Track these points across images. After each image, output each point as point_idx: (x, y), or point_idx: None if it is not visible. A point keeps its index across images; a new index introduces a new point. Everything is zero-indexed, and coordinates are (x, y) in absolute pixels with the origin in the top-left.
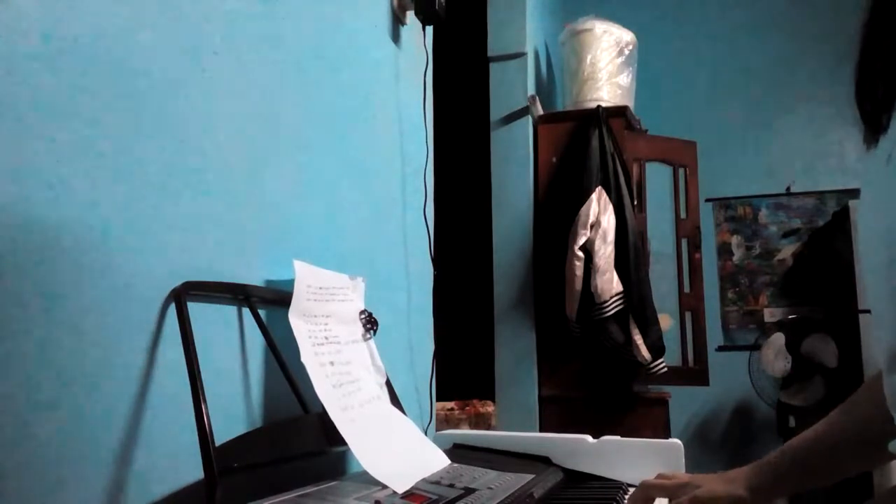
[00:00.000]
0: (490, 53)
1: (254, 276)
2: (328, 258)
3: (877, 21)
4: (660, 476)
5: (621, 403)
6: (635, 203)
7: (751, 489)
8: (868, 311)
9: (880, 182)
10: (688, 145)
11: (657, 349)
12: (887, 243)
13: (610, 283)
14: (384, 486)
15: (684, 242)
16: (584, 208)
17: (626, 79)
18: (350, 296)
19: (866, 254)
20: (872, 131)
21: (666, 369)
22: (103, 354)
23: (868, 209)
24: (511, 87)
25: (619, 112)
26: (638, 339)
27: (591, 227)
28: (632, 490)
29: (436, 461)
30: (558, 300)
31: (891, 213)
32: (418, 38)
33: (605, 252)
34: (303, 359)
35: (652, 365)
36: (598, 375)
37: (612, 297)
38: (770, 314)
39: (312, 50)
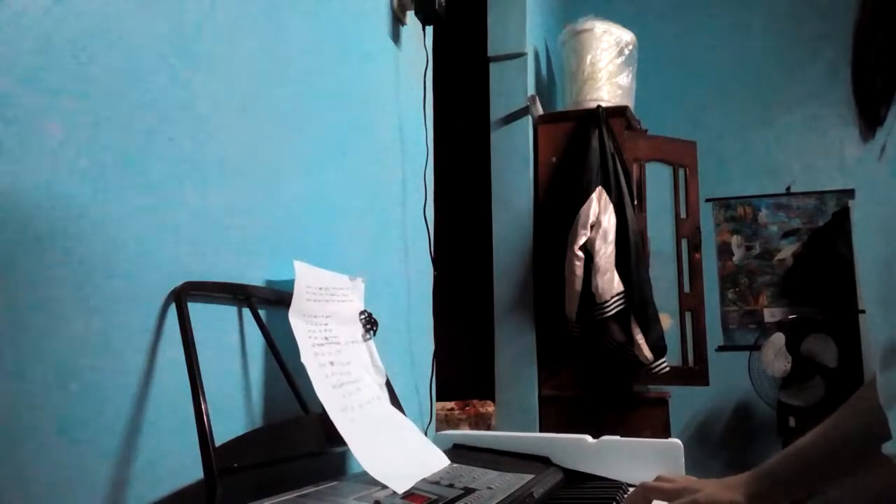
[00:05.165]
0: (490, 53)
1: (254, 276)
2: (328, 258)
3: (871, 13)
4: (659, 478)
5: (621, 403)
6: (635, 203)
7: (750, 496)
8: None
9: (873, 178)
10: (688, 145)
11: (659, 349)
12: (881, 241)
13: (611, 283)
14: (384, 486)
15: (684, 242)
16: (584, 208)
17: (626, 79)
18: (350, 296)
19: (862, 252)
20: (870, 124)
21: (668, 369)
22: (104, 354)
23: (863, 207)
24: (511, 87)
25: (619, 112)
26: (640, 338)
27: (592, 226)
28: (632, 490)
29: (436, 461)
30: (558, 300)
31: (884, 209)
32: (418, 38)
33: (606, 252)
34: (303, 359)
35: (654, 365)
36: (598, 375)
37: (612, 297)
38: (770, 314)
39: (313, 50)
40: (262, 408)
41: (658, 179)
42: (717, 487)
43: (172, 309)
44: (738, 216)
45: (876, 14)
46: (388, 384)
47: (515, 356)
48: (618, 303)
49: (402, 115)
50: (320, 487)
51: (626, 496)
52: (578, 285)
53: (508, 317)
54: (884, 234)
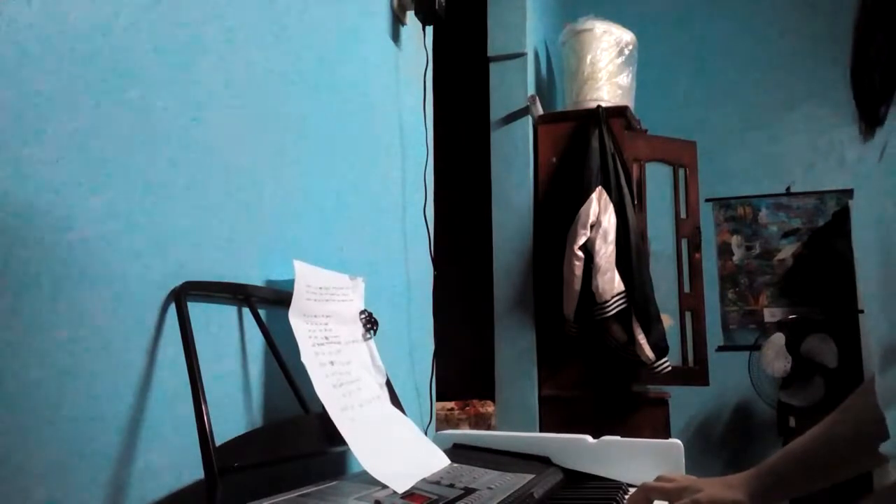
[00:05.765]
0: (490, 53)
1: (254, 276)
2: (328, 258)
3: (870, 12)
4: (660, 478)
5: (621, 403)
6: (635, 203)
7: (751, 494)
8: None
9: (873, 178)
10: (688, 145)
11: (661, 349)
12: (880, 239)
13: (611, 283)
14: (384, 486)
15: (684, 242)
16: (584, 208)
17: (626, 79)
18: (350, 296)
19: (862, 252)
20: (870, 123)
21: (670, 368)
22: (103, 354)
23: (862, 207)
24: (511, 87)
25: (619, 112)
26: (641, 338)
27: (592, 226)
28: (632, 490)
29: (436, 461)
30: (558, 300)
31: (883, 209)
32: (418, 38)
33: (606, 252)
34: (303, 359)
35: (656, 364)
36: (598, 375)
37: (613, 297)
38: (770, 314)
39: (312, 50)
40: (262, 408)
41: (658, 179)
42: (718, 487)
43: (172, 309)
44: (738, 216)
45: (875, 13)
46: (389, 384)
47: (515, 356)
48: (618, 303)
49: (402, 115)
50: (320, 487)
51: (626, 497)
52: (577, 285)
53: (508, 316)
54: (883, 234)
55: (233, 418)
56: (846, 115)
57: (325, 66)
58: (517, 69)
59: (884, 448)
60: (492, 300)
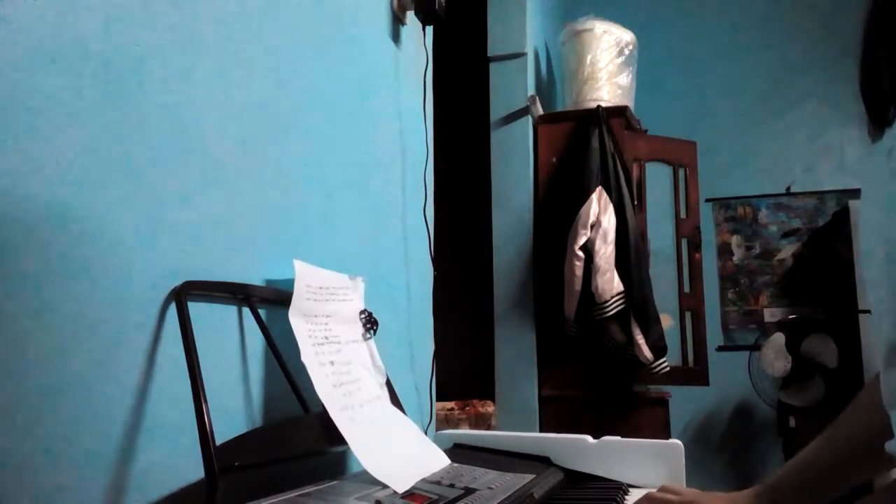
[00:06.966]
0: (490, 53)
1: (254, 276)
2: (328, 258)
3: (880, 12)
4: (664, 489)
5: (621, 403)
6: (635, 203)
7: None
8: (868, 311)
9: (881, 177)
10: (688, 145)
11: (659, 349)
12: (886, 238)
13: (611, 283)
14: (384, 486)
15: (684, 242)
16: (584, 208)
17: (626, 79)
18: (350, 296)
19: (866, 251)
20: (877, 125)
21: (668, 369)
22: (103, 354)
23: (868, 206)
24: (511, 87)
25: (619, 112)
26: (640, 338)
27: (592, 226)
28: (632, 491)
29: (436, 461)
30: (558, 300)
31: (890, 208)
32: (418, 38)
33: (606, 252)
34: (303, 358)
35: (654, 365)
36: (598, 375)
37: (612, 297)
38: (770, 314)
39: (312, 50)
40: (262, 407)
41: (658, 179)
42: (721, 502)
43: (172, 308)
44: (738, 216)
45: (885, 14)
46: (389, 384)
47: (515, 356)
48: (618, 303)
49: (402, 115)
50: (321, 487)
51: (627, 497)
52: (578, 285)
53: (508, 317)
54: (889, 233)
55: (233, 418)
56: (846, 115)
57: (325, 65)
58: (517, 69)
59: (891, 447)
60: (492, 300)
